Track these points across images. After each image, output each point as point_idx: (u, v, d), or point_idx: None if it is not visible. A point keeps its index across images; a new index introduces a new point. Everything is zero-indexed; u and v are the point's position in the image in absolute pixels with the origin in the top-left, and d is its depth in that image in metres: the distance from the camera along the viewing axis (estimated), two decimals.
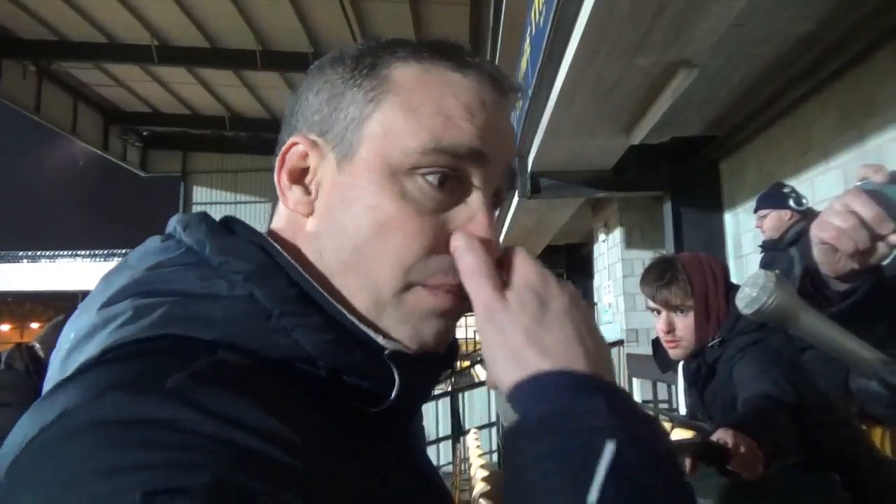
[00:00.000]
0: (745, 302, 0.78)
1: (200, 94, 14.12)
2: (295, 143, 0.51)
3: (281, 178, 0.51)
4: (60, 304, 18.88)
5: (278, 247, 0.49)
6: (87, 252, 22.32)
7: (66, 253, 22.47)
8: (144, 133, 17.19)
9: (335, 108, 0.51)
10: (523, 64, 5.70)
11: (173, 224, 0.50)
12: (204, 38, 11.51)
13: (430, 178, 0.48)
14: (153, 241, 0.50)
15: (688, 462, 1.35)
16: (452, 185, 0.49)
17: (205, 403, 0.35)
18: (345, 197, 0.49)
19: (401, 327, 0.49)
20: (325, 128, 0.51)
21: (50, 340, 1.90)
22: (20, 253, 22.66)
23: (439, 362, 0.52)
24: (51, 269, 21.98)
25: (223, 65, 12.24)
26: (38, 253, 22.62)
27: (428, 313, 0.49)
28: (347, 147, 0.50)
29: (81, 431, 0.33)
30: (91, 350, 0.43)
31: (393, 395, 0.47)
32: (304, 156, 0.51)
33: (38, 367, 1.86)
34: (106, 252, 22.16)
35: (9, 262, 22.08)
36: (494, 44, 8.06)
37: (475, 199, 0.50)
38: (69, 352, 0.45)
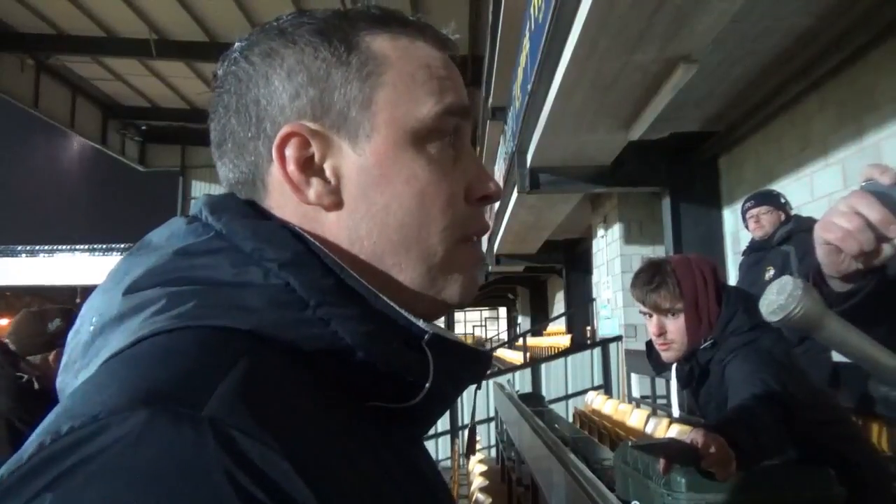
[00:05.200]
0: (771, 309, 0.76)
1: (199, 89, 14.09)
2: (292, 133, 0.48)
3: (290, 173, 0.48)
4: (59, 299, 18.87)
5: (308, 235, 0.47)
6: (86, 246, 22.19)
7: (64, 247, 22.37)
8: (143, 127, 17.17)
9: (325, 90, 0.48)
10: (522, 59, 5.69)
11: (199, 206, 0.48)
12: (202, 31, 11.49)
13: (445, 138, 0.51)
14: (178, 223, 0.48)
15: (662, 462, 1.38)
16: (453, 141, 0.52)
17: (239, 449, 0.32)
18: (378, 177, 0.49)
19: (453, 285, 0.52)
20: (317, 112, 0.48)
21: (23, 333, 2.00)
22: (18, 247, 22.52)
23: (473, 366, 0.51)
24: (49, 263, 21.86)
25: None
26: (37, 247, 22.53)
27: (472, 265, 0.53)
28: (356, 128, 0.48)
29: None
30: (121, 337, 0.41)
31: (427, 384, 0.45)
32: (305, 145, 0.48)
33: (11, 358, 1.95)
34: (105, 247, 22.08)
35: (7, 256, 21.95)
36: (494, 39, 8.05)
37: (468, 151, 0.54)
38: (93, 335, 0.43)
